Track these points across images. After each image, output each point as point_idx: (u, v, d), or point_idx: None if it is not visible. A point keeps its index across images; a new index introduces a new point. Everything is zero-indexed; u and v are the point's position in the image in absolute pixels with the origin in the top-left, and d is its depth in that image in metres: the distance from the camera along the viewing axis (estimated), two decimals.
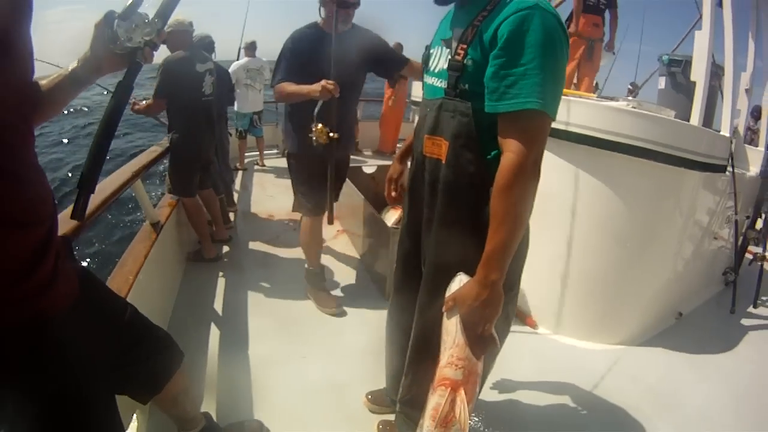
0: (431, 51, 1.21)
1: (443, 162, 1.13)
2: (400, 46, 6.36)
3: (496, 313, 1.04)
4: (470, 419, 1.05)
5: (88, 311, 0.96)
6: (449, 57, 1.08)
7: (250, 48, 5.38)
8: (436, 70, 1.16)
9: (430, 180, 1.18)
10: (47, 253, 0.84)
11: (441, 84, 1.13)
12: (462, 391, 1.06)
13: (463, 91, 1.07)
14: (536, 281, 2.33)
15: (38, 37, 0.84)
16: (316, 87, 1.95)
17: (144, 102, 2.90)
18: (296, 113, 2.24)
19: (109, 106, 0.96)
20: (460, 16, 1.10)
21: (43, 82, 0.94)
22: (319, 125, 1.98)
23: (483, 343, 1.07)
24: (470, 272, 1.05)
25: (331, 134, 1.99)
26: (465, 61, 1.04)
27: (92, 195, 0.97)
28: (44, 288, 0.83)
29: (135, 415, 1.53)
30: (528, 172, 0.97)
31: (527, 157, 0.96)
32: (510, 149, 0.98)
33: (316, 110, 2.00)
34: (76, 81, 0.96)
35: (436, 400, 1.08)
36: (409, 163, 1.39)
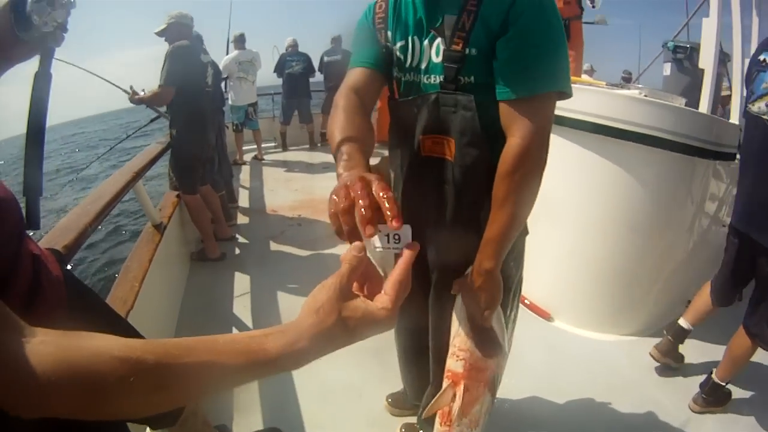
0: (398, 44, 1.04)
1: (451, 161, 1.04)
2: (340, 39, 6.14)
3: (494, 301, 1.00)
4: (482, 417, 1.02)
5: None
6: (443, 48, 0.97)
7: (240, 40, 5.32)
8: (423, 66, 1.02)
9: (436, 182, 1.09)
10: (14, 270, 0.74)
11: (432, 80, 1.01)
12: (462, 385, 1.01)
13: (466, 84, 0.96)
14: (550, 272, 2.32)
15: None
16: None
17: (143, 91, 2.77)
18: None
19: (32, 100, 0.84)
20: (435, 2, 0.98)
21: None
22: None
23: (487, 338, 1.03)
24: None
25: None
26: (467, 51, 0.94)
27: (41, 198, 0.85)
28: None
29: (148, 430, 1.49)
30: (534, 156, 0.91)
31: (535, 140, 0.90)
32: (517, 134, 0.91)
33: None
34: None
35: (440, 395, 1.05)
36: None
